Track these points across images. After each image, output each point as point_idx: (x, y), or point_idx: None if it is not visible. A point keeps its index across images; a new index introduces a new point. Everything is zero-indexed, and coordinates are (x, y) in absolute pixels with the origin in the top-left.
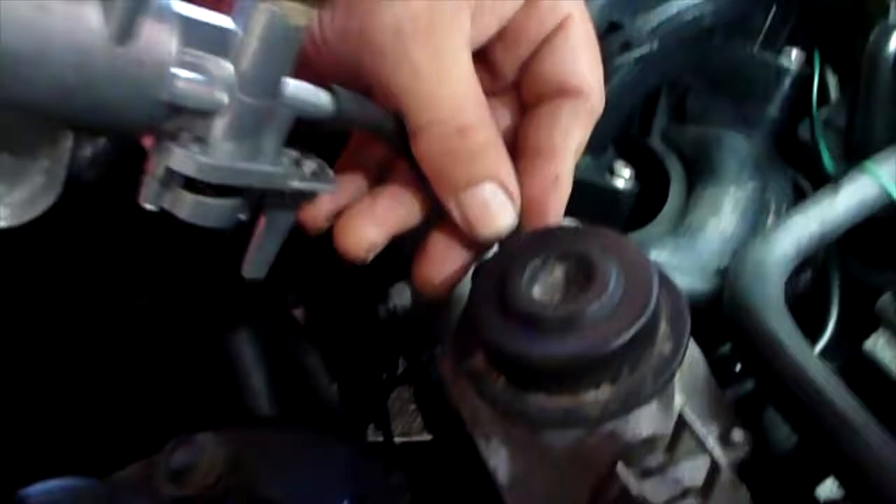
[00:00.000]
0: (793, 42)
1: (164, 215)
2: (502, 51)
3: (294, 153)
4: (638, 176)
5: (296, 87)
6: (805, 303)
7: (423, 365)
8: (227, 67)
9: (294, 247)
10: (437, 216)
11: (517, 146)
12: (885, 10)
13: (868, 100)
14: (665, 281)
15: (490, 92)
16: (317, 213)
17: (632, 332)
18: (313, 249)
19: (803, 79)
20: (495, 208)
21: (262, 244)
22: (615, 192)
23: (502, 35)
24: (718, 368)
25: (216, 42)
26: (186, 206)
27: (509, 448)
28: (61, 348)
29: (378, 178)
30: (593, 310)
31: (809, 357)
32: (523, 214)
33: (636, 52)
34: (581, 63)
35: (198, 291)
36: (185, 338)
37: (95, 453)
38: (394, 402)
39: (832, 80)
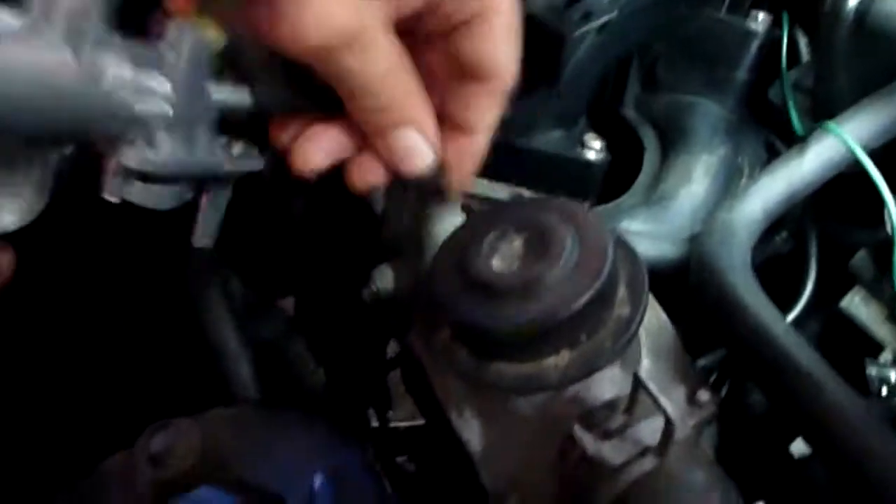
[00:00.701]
0: (760, 4)
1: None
2: (424, 23)
3: (223, 139)
4: (613, 145)
5: (218, 91)
6: (783, 263)
7: (406, 347)
8: (165, 83)
9: (277, 238)
10: None
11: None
12: None
13: (830, 58)
14: (623, 246)
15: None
16: (283, 136)
17: (587, 296)
18: (297, 241)
19: (772, 41)
20: (416, 150)
21: (206, 217)
22: (587, 164)
23: (425, 9)
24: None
25: (156, 64)
26: (142, 195)
27: (480, 419)
28: (45, 340)
29: None
30: (549, 276)
31: (775, 319)
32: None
33: (597, 22)
34: (500, 51)
35: (183, 284)
36: (170, 330)
37: (81, 445)
38: (397, 386)
39: (802, 41)
